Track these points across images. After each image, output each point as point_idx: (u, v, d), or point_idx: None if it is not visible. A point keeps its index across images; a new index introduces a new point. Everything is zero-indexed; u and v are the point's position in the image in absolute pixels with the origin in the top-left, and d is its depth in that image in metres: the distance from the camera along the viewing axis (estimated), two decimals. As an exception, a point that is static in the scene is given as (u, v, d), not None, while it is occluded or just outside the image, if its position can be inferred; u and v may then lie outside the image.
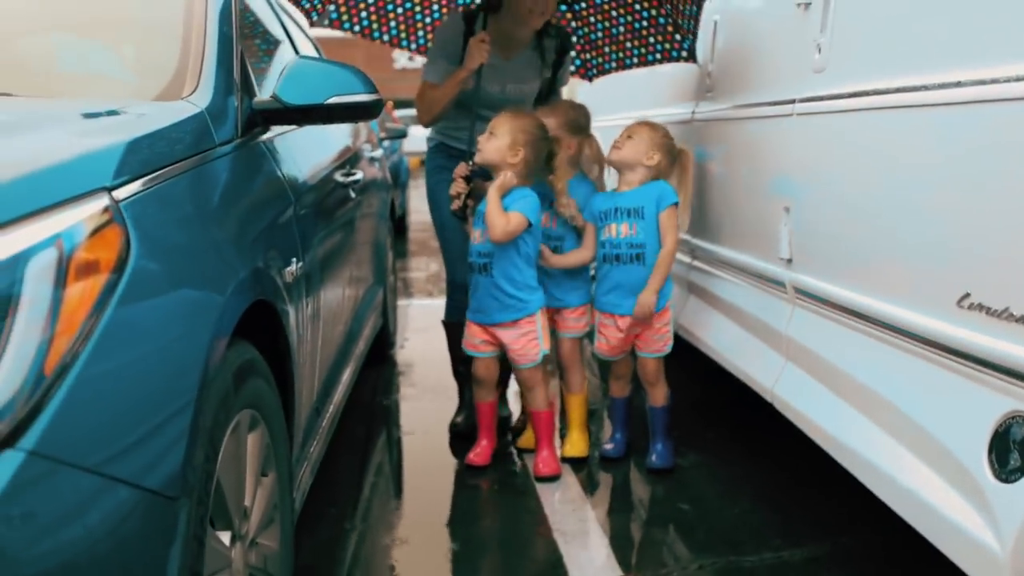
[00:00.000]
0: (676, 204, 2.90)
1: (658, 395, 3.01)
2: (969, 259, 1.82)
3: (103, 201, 1.28)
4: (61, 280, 1.13)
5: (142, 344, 1.27)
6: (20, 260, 1.10)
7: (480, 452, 3.06)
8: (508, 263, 2.86)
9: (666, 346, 2.98)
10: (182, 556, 1.28)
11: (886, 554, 2.39)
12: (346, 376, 2.97)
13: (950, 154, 1.88)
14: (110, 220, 1.27)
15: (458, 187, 2.99)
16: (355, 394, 3.50)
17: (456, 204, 3.00)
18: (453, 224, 3.19)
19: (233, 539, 1.55)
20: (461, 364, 3.34)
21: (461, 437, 3.31)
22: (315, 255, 2.34)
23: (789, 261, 2.68)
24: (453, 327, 3.28)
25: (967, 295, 1.81)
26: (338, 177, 2.92)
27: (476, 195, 2.96)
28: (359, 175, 3.27)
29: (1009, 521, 1.59)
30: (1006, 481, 1.63)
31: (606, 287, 2.94)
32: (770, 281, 2.83)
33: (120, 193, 1.33)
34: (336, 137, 3.19)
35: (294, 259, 2.06)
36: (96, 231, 1.23)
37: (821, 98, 2.46)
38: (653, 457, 2.99)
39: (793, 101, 2.63)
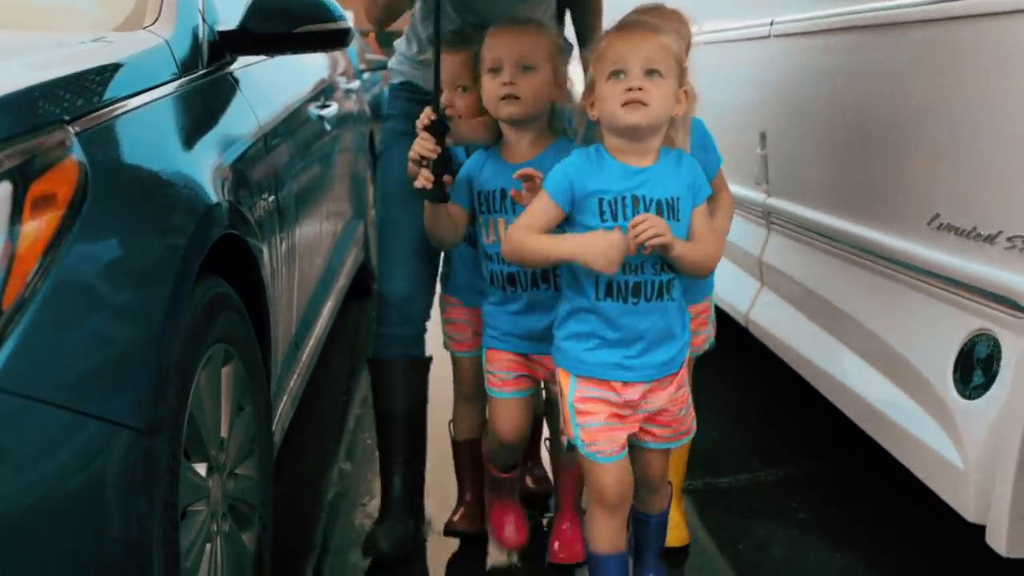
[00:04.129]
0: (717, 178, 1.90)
1: (662, 498, 1.88)
2: (940, 181, 1.82)
3: (60, 134, 1.26)
4: (17, 214, 1.12)
5: (104, 278, 1.26)
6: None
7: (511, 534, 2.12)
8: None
9: (691, 421, 1.80)
10: (157, 488, 1.29)
11: (859, 476, 2.44)
12: (327, 310, 2.98)
13: (918, 75, 1.87)
14: (67, 153, 1.25)
15: (424, 147, 1.76)
16: (337, 328, 3.51)
17: (422, 180, 1.77)
18: (405, 208, 2.04)
19: (210, 470, 1.57)
20: (393, 428, 2.17)
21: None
22: (289, 189, 2.32)
23: (766, 186, 2.68)
24: (381, 365, 2.16)
25: (937, 215, 1.81)
26: (312, 109, 2.88)
27: (445, 162, 1.79)
28: (334, 107, 3.23)
29: (971, 436, 1.62)
30: (969, 398, 1.66)
31: (604, 339, 1.67)
32: (747, 207, 2.83)
33: (78, 126, 1.31)
34: (310, 68, 3.13)
35: (266, 193, 2.04)
36: (52, 164, 1.22)
37: (798, 20, 2.43)
38: None
39: (771, 23, 2.59)
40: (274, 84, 2.47)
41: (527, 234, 1.66)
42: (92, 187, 1.26)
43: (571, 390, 1.69)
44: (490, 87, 1.81)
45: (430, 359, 2.19)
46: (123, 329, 1.28)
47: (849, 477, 2.45)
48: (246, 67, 2.21)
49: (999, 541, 1.53)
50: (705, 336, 2.05)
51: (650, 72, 1.58)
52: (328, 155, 3.05)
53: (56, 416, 1.15)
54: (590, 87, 1.66)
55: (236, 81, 2.11)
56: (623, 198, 1.62)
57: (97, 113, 1.39)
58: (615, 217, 1.62)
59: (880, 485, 2.35)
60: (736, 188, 2.88)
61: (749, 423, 2.82)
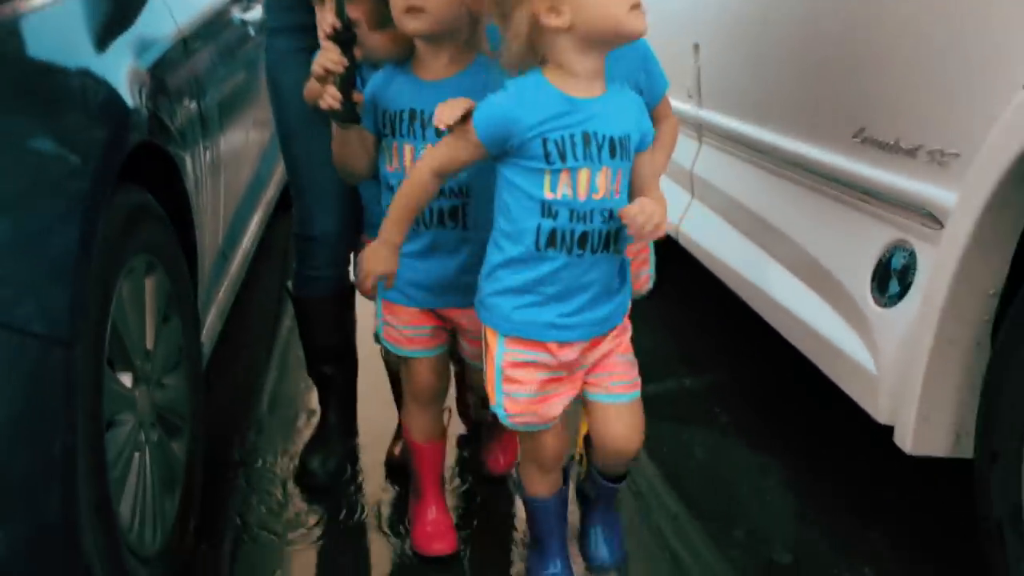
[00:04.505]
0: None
1: (627, 463, 1.67)
2: (866, 95, 1.84)
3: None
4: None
5: (16, 187, 1.22)
6: None
7: (436, 533, 1.83)
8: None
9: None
10: (79, 399, 1.28)
11: (777, 381, 2.53)
12: (256, 220, 2.93)
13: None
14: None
15: (330, 60, 1.53)
16: (268, 239, 3.46)
17: (329, 99, 1.54)
18: (316, 138, 1.78)
19: (136, 381, 1.56)
20: (325, 356, 2.13)
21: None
22: (212, 96, 2.25)
23: (698, 99, 2.68)
24: (312, 304, 2.06)
25: (862, 129, 1.84)
26: (235, 13, 2.78)
27: (352, 76, 1.57)
28: (258, 11, 3.11)
29: (885, 342, 1.68)
30: (885, 306, 1.72)
31: (541, 295, 1.47)
32: (679, 119, 2.84)
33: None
34: (232, -31, 3.00)
35: (186, 99, 1.98)
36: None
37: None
38: (604, 550, 1.76)
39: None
40: (193, -16, 2.37)
41: (428, 176, 1.47)
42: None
43: (498, 352, 1.49)
44: None
45: (354, 285, 2.03)
46: (39, 240, 1.25)
47: (768, 382, 2.54)
48: (163, -35, 2.11)
49: (905, 440, 1.61)
50: (647, 276, 1.93)
51: None
52: (252, 61, 2.95)
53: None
54: None
55: (152, -21, 2.02)
56: (571, 136, 1.39)
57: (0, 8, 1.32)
58: (563, 158, 1.39)
59: (797, 390, 2.45)
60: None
61: (679, 333, 2.89)
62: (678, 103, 2.81)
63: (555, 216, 1.41)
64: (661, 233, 1.39)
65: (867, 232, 1.81)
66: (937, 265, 1.53)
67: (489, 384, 1.53)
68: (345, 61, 1.53)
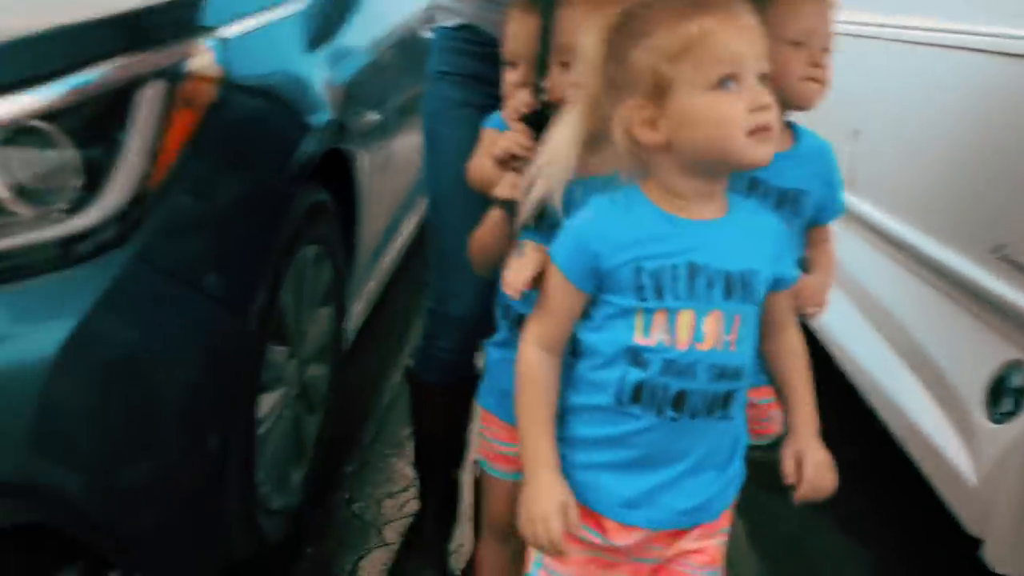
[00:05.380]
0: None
1: None
2: (1013, 213, 1.88)
3: (203, 43, 1.42)
4: (167, 111, 1.29)
5: (226, 174, 1.44)
6: (133, 88, 1.25)
7: None
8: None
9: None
10: (245, 359, 1.48)
11: (874, 465, 2.53)
12: (409, 225, 3.14)
13: (1014, 108, 1.91)
14: (213, 59, 1.41)
15: (518, 144, 1.24)
16: (418, 242, 3.66)
17: (507, 189, 1.24)
18: (469, 213, 1.37)
19: (290, 355, 1.76)
20: (434, 448, 1.88)
21: None
22: (392, 110, 2.46)
23: (851, 185, 2.72)
24: (429, 391, 1.79)
25: (1003, 246, 1.87)
26: (421, 31, 2.99)
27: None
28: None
29: (988, 456, 1.71)
30: (995, 421, 1.75)
31: (614, 457, 1.14)
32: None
33: (222, 33, 1.47)
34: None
35: (371, 110, 2.19)
36: (201, 67, 1.38)
37: (914, 28, 2.45)
38: None
39: (888, 26, 2.62)
40: (388, 5, 2.59)
41: (539, 358, 1.12)
42: (223, 93, 1.42)
43: None
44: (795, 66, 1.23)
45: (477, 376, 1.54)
46: (235, 222, 1.46)
47: (867, 465, 2.54)
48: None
49: (992, 556, 1.64)
50: (773, 426, 1.48)
51: (764, 78, 1.04)
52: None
53: (174, 287, 1.33)
54: (648, 93, 1.04)
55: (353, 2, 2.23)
56: (672, 266, 1.06)
57: (239, 22, 1.54)
58: (660, 294, 1.06)
59: (892, 477, 2.45)
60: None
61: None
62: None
63: (645, 366, 1.07)
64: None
65: (989, 345, 1.84)
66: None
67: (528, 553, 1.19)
68: (536, 147, 1.19)
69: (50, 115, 1.17)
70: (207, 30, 1.43)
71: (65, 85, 1.18)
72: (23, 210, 1.17)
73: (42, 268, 1.17)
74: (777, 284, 1.13)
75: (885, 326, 2.32)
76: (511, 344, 1.24)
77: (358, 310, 2.37)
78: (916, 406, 2.01)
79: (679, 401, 1.09)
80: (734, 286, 1.08)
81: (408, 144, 2.83)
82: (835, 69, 1.29)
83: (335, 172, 1.93)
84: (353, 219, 2.10)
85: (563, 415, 1.15)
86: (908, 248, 2.29)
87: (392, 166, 2.54)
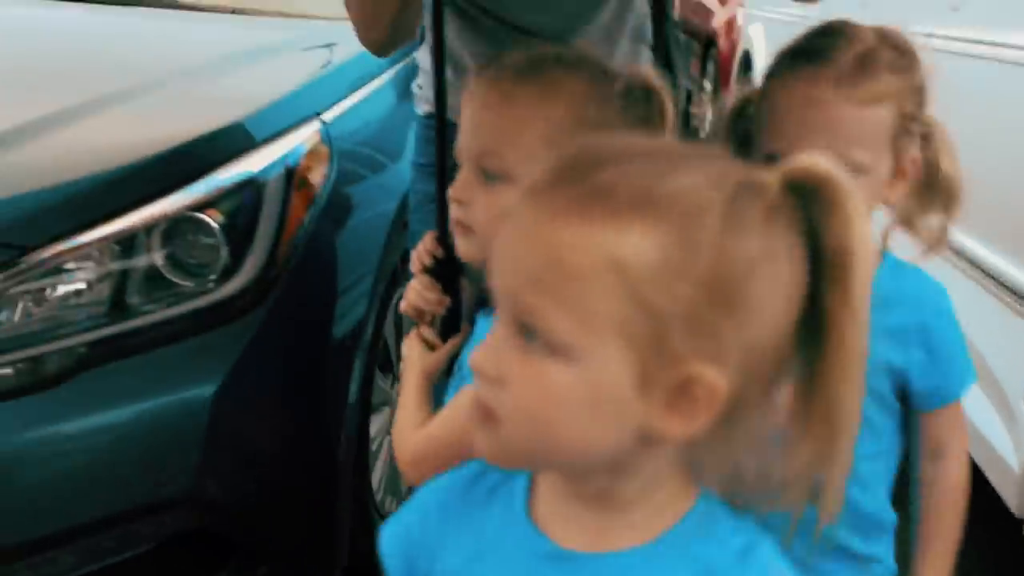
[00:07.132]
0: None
1: None
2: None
3: (315, 125, 1.71)
4: (288, 191, 1.57)
5: (341, 233, 1.73)
6: (262, 176, 1.54)
7: None
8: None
9: None
10: (357, 389, 1.76)
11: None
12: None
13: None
14: (320, 140, 1.70)
15: (423, 299, 1.07)
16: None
17: (415, 341, 1.06)
18: None
19: (393, 381, 2.04)
20: None
21: None
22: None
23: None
24: None
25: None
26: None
27: (457, 317, 1.09)
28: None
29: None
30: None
31: None
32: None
33: (327, 116, 1.75)
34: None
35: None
36: (311, 149, 1.67)
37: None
38: None
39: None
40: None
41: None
42: (334, 166, 1.70)
43: None
44: None
45: None
46: (346, 271, 1.74)
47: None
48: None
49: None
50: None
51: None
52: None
53: (300, 334, 1.62)
54: None
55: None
56: None
57: (341, 104, 1.83)
58: None
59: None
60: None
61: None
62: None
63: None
64: None
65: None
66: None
67: None
68: (446, 300, 1.04)
69: (201, 206, 1.46)
70: (315, 115, 1.72)
71: (211, 184, 1.47)
72: (184, 282, 1.46)
73: (200, 329, 1.46)
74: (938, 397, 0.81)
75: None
76: None
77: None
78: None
79: None
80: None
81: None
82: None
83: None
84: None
85: None
86: (953, 246, 2.42)
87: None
